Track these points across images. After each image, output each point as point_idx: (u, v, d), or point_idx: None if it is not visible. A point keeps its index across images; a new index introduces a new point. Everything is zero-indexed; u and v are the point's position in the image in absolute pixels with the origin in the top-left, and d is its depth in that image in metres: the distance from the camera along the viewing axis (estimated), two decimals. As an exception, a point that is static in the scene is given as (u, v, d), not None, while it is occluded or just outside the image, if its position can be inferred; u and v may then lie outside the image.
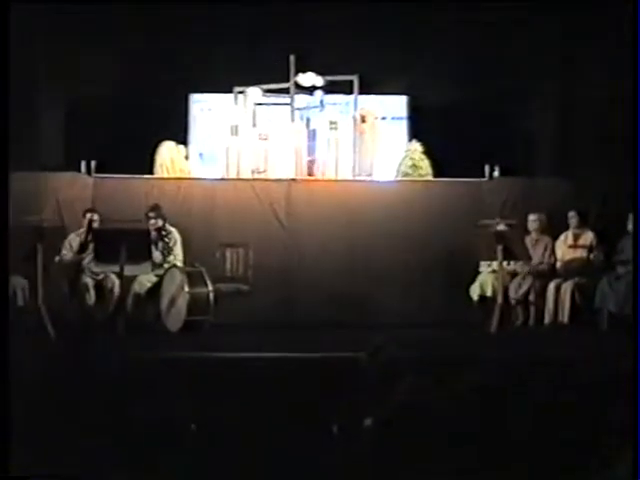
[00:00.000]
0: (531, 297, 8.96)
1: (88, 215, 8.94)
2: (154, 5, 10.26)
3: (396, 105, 10.64)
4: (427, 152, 9.91)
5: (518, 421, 3.62)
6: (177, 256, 8.92)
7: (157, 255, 8.79)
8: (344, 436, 4.39)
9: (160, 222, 8.90)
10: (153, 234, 8.75)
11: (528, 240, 9.00)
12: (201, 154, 10.42)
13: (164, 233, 8.85)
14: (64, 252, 8.86)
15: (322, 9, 10.31)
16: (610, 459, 3.18)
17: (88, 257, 8.75)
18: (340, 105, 10.41)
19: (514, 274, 9.03)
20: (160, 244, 8.81)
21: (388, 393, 4.14)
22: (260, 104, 10.31)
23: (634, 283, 7.48)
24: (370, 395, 4.53)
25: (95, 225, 8.79)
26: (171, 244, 8.87)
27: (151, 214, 8.91)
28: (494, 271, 8.88)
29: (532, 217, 9.16)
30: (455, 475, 3.43)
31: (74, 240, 8.91)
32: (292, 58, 9.91)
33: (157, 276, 8.78)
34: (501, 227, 8.92)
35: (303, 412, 5.44)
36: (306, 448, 4.41)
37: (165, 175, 9.84)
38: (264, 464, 3.88)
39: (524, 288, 8.95)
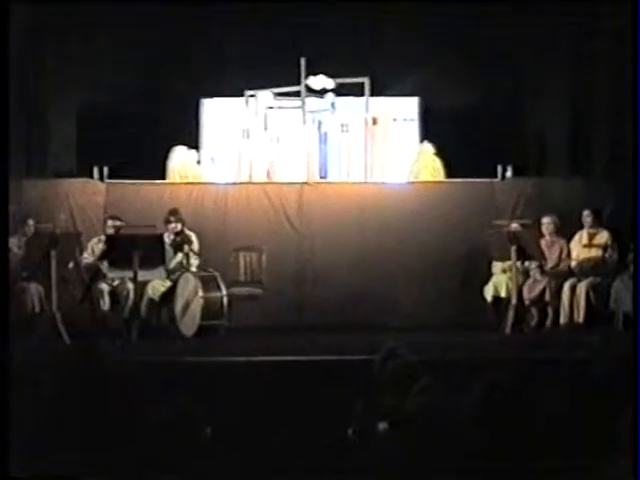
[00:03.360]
0: (546, 297, 8.91)
1: (110, 222, 8.93)
2: (165, 11, 10.28)
3: (407, 107, 10.62)
4: (439, 153, 9.89)
5: (532, 422, 3.60)
6: (196, 261, 8.91)
7: (178, 259, 8.78)
8: (359, 440, 4.38)
9: (179, 226, 8.90)
10: (177, 238, 8.75)
11: (543, 243, 8.97)
12: (213, 158, 10.43)
13: (189, 237, 8.83)
14: (85, 256, 8.87)
15: (333, 12, 10.31)
16: (619, 460, 3.17)
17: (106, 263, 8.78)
18: (352, 107, 10.40)
19: (528, 274, 8.99)
20: (186, 247, 8.78)
21: (402, 396, 4.12)
22: (271, 107, 10.31)
23: (634, 285, 7.47)
24: (384, 398, 4.52)
25: (113, 231, 8.79)
26: (195, 249, 8.86)
27: (171, 218, 8.91)
28: (508, 271, 8.84)
29: (546, 219, 9.10)
30: (467, 475, 3.42)
31: (96, 246, 8.90)
32: (303, 61, 9.91)
33: (171, 281, 8.79)
34: (514, 227, 8.89)
35: (317, 415, 5.44)
36: (320, 451, 4.40)
37: (177, 180, 9.86)
38: (277, 467, 3.87)
39: (538, 288, 8.91)
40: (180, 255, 8.78)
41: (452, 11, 10.25)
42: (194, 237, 8.96)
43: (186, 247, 8.78)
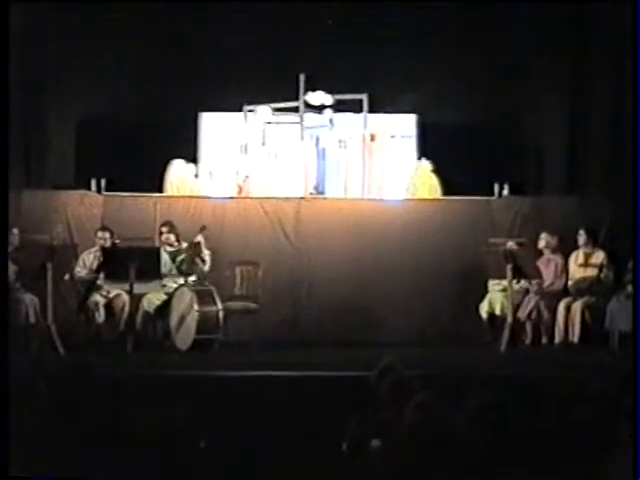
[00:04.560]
0: (541, 316, 8.92)
1: (100, 234, 8.93)
2: (165, 24, 10.32)
3: (405, 124, 10.65)
4: (436, 170, 9.91)
5: (526, 440, 3.61)
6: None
7: (183, 270, 8.81)
8: (353, 455, 4.38)
9: (172, 237, 8.91)
10: (189, 250, 8.77)
11: (540, 261, 8.99)
12: (211, 172, 10.44)
13: (201, 249, 8.84)
14: (78, 269, 8.87)
15: (332, 28, 10.36)
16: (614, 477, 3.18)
17: (101, 275, 8.78)
18: (350, 123, 10.42)
19: (524, 292, 8.99)
20: (197, 260, 8.79)
21: (397, 412, 4.12)
22: (270, 123, 10.33)
23: (634, 305, 7.48)
24: (379, 414, 4.52)
25: (108, 244, 8.79)
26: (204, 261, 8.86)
27: (163, 229, 8.93)
28: (503, 289, 8.86)
29: (543, 237, 9.12)
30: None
31: (87, 258, 8.91)
32: (302, 77, 9.94)
33: (166, 294, 8.79)
34: (510, 245, 8.91)
35: (312, 430, 5.43)
36: (315, 467, 4.40)
37: (175, 193, 9.86)
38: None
39: (534, 307, 8.91)
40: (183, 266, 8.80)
41: (451, 29, 10.31)
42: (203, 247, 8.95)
43: (198, 260, 8.80)
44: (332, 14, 10.27)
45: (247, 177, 9.93)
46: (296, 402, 6.25)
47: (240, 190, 9.92)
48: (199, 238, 8.84)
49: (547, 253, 9.12)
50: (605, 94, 10.02)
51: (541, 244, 9.11)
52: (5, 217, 5.98)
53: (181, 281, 8.84)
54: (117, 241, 8.84)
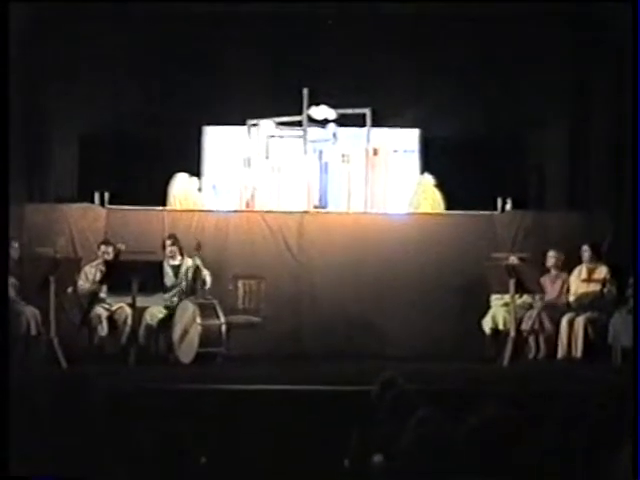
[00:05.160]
0: (544, 331, 8.91)
1: (102, 247, 8.94)
2: (168, 38, 10.36)
3: (408, 138, 10.67)
4: (439, 185, 9.92)
5: (529, 455, 3.60)
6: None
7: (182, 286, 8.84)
8: (355, 471, 4.37)
9: (176, 250, 8.93)
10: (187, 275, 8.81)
11: (547, 277, 9.00)
12: (214, 186, 10.46)
13: (200, 273, 8.87)
14: (80, 282, 8.87)
15: (335, 42, 10.39)
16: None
17: (104, 288, 8.79)
18: (353, 138, 10.44)
19: (527, 307, 8.99)
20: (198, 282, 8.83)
21: (399, 427, 4.12)
22: (273, 136, 10.35)
23: (634, 320, 7.47)
24: (381, 429, 4.51)
25: (110, 257, 8.80)
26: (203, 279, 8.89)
27: (167, 242, 8.95)
28: (506, 304, 8.85)
29: (551, 254, 9.12)
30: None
31: (90, 271, 8.91)
32: (305, 91, 9.96)
33: (169, 307, 8.80)
34: (513, 260, 8.91)
35: (314, 445, 5.42)
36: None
37: (178, 207, 9.88)
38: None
39: (537, 322, 8.91)
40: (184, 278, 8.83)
41: (453, 44, 10.34)
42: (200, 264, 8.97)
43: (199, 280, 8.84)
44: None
45: (255, 189, 9.95)
46: (298, 416, 6.24)
47: (247, 204, 9.94)
48: (197, 261, 8.86)
49: (554, 270, 9.12)
50: (607, 110, 10.04)
51: (550, 262, 9.10)
52: (6, 230, 5.99)
53: (184, 294, 8.85)
54: (122, 247, 8.81)
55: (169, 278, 8.88)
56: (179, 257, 8.99)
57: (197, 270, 8.85)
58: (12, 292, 8.10)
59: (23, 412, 4.21)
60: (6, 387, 4.38)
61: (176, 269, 8.95)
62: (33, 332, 8.39)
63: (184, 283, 8.90)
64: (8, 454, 3.74)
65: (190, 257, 8.91)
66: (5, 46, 5.77)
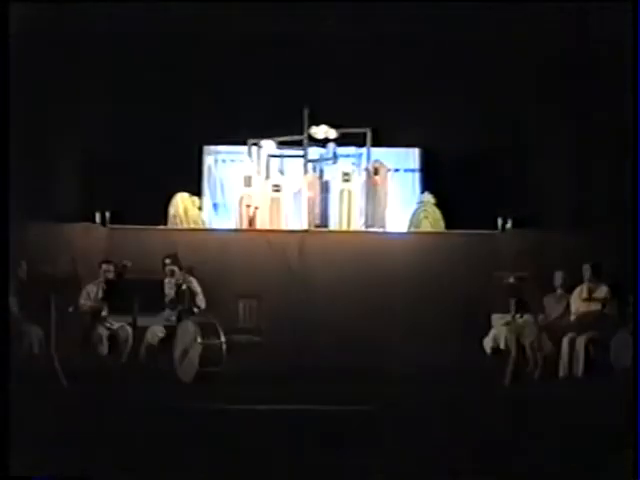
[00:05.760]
0: (545, 350, 8.89)
1: (104, 266, 8.95)
2: (169, 58, 10.40)
3: (408, 157, 10.69)
4: (439, 204, 9.94)
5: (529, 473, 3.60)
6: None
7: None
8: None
9: (176, 269, 8.93)
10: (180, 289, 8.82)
11: (552, 296, 9.01)
12: (215, 205, 10.47)
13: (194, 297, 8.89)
14: (82, 301, 8.87)
15: (336, 62, 10.43)
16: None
17: (106, 307, 8.79)
18: (353, 157, 10.47)
19: (528, 326, 8.97)
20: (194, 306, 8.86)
21: (397, 447, 4.12)
22: (274, 156, 10.38)
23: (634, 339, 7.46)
24: (383, 447, 4.51)
25: (112, 276, 8.81)
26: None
27: (167, 261, 8.94)
28: (507, 323, 8.84)
29: (558, 274, 9.14)
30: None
31: (91, 290, 8.91)
32: (306, 111, 10.00)
33: (170, 327, 8.78)
34: (514, 280, 8.90)
35: (315, 465, 5.40)
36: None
37: (179, 226, 9.89)
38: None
39: (538, 341, 8.89)
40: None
41: (453, 63, 10.38)
42: (196, 284, 8.97)
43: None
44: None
45: (256, 208, 9.97)
46: (298, 435, 6.22)
47: (249, 223, 9.95)
48: (192, 284, 8.86)
49: (562, 290, 9.13)
50: (608, 129, 10.06)
51: (557, 282, 9.11)
52: (6, 249, 5.99)
53: (184, 314, 8.85)
54: (128, 263, 8.80)
55: (169, 297, 8.87)
56: (180, 276, 8.99)
57: (192, 293, 8.87)
58: (14, 310, 8.10)
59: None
60: (6, 387, 4.37)
61: (176, 288, 8.95)
62: (35, 350, 8.38)
63: (184, 302, 8.89)
64: (8, 454, 3.74)
65: (185, 281, 8.90)
66: (6, 46, 5.78)
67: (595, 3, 9.66)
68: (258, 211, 9.99)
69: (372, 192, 10.12)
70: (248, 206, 10.01)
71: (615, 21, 8.95)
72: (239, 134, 10.30)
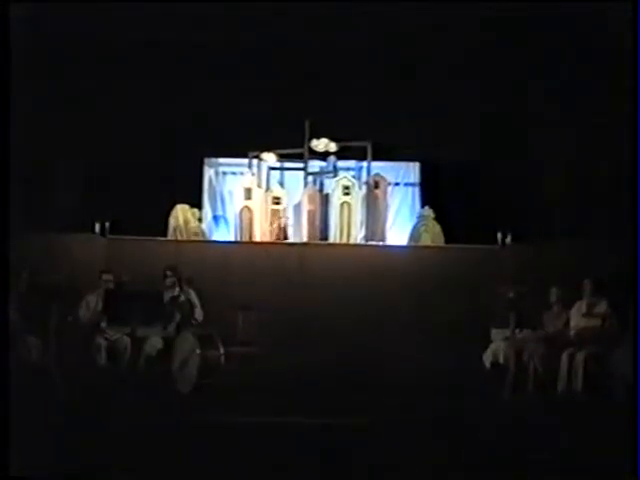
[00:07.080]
0: (544, 365, 8.88)
1: (104, 276, 8.95)
2: (169, 69, 10.43)
3: (409, 171, 10.71)
4: (439, 218, 9.95)
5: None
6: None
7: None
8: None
9: (175, 281, 8.93)
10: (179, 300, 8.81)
11: (552, 311, 9.01)
12: (215, 217, 10.48)
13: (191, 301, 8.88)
14: (81, 312, 8.87)
15: (338, 76, 10.46)
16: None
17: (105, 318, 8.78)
18: (354, 170, 10.49)
19: (528, 341, 8.97)
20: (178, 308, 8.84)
21: (398, 459, 4.11)
22: (274, 168, 10.40)
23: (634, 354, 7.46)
24: (380, 461, 4.50)
25: (111, 286, 8.80)
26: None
27: (168, 273, 8.94)
28: (507, 338, 8.83)
29: (554, 290, 9.12)
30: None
31: (91, 300, 8.91)
32: (307, 124, 10.02)
33: (168, 338, 8.77)
34: (513, 294, 8.89)
35: (314, 478, 5.39)
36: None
37: (179, 237, 9.89)
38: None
39: (538, 356, 8.88)
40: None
41: (453, 77, 10.41)
42: (194, 297, 8.97)
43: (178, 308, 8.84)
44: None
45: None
46: (297, 448, 6.21)
47: (249, 235, 9.97)
48: (190, 296, 8.86)
49: (557, 306, 9.12)
50: (608, 143, 10.08)
51: (556, 297, 9.10)
52: (6, 259, 5.99)
53: (183, 325, 8.84)
54: (125, 279, 8.82)
55: (168, 308, 8.87)
56: (178, 288, 8.99)
57: (190, 304, 8.86)
58: (14, 320, 8.09)
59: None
60: (6, 388, 4.36)
61: (175, 300, 8.95)
62: (34, 360, 8.37)
63: (183, 314, 8.89)
64: (8, 454, 3.73)
65: (184, 292, 8.90)
66: (6, 46, 5.79)
67: (595, 3, 9.68)
68: (258, 223, 10.00)
69: (372, 206, 10.13)
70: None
71: (615, 21, 8.97)
72: (240, 146, 10.32)
